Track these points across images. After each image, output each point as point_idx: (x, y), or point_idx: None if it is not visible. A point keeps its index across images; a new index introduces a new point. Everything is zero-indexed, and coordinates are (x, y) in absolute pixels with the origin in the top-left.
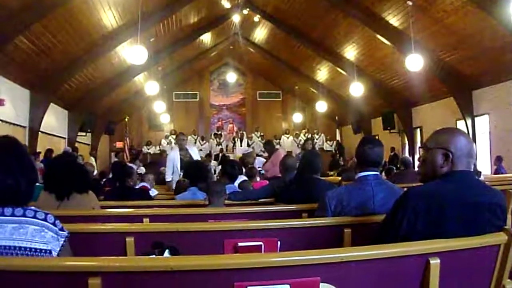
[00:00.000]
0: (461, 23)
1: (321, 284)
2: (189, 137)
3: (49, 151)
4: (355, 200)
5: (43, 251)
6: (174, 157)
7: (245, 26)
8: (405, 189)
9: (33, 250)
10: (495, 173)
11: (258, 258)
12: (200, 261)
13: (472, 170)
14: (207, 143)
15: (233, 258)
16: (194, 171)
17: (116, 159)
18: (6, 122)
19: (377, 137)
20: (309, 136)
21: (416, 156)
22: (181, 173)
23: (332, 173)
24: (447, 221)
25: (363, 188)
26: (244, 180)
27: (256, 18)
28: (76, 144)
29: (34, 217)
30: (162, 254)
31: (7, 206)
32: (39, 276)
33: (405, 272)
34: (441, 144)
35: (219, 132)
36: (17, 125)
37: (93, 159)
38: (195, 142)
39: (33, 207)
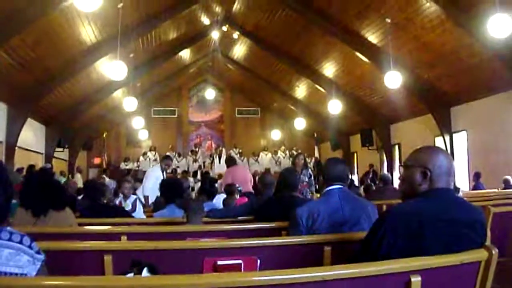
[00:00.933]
0: (439, 41)
1: None
2: (167, 153)
3: (31, 167)
4: (325, 211)
5: (18, 275)
6: (157, 174)
7: (224, 43)
8: (374, 202)
9: (8, 274)
10: (473, 189)
11: (238, 277)
12: (178, 280)
13: (451, 187)
14: (184, 159)
15: (213, 277)
16: (170, 188)
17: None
18: None
19: (355, 154)
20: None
21: (395, 173)
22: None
23: None
24: (427, 239)
25: (330, 200)
26: (226, 198)
27: (235, 35)
28: (54, 160)
29: (10, 239)
30: (140, 272)
31: None
32: None
33: None
34: (420, 163)
35: (196, 149)
36: None
37: (79, 175)
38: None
39: (9, 228)
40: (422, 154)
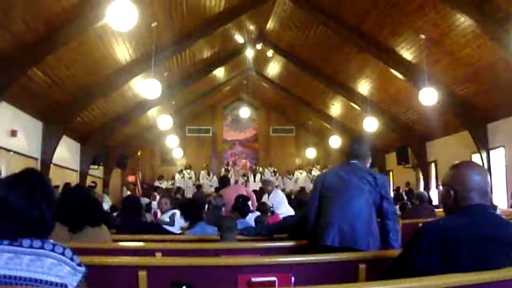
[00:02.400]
0: (474, 56)
1: None
2: (202, 171)
3: (67, 184)
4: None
5: (59, 285)
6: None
7: (258, 61)
8: (410, 221)
9: (48, 283)
10: (511, 207)
11: None
12: None
13: (487, 203)
14: (215, 178)
15: None
16: (194, 207)
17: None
18: (19, 153)
19: (391, 172)
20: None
21: (431, 191)
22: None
23: None
24: (461, 256)
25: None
26: (259, 215)
27: (269, 53)
28: (88, 177)
29: (52, 250)
30: None
31: (26, 237)
32: None
33: None
34: (446, 181)
35: (229, 167)
36: (30, 156)
37: (106, 196)
38: (208, 176)
39: (51, 241)
40: (448, 172)
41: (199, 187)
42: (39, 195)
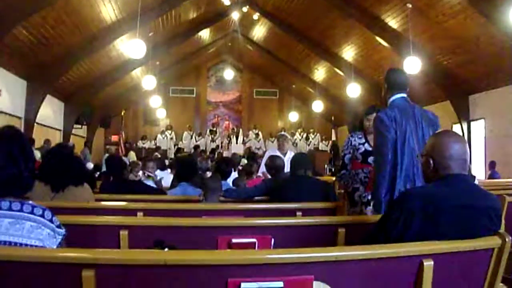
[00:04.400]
0: (460, 27)
1: (315, 282)
2: (185, 132)
3: (47, 142)
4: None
5: (39, 248)
6: None
7: (244, 24)
8: None
9: (28, 246)
10: (489, 178)
11: (252, 255)
12: (194, 256)
13: (466, 173)
14: (202, 139)
15: (227, 254)
16: (184, 167)
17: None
18: (2, 112)
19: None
20: (304, 135)
21: None
22: None
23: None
24: (441, 224)
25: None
26: (237, 178)
27: (256, 16)
28: (71, 137)
29: (31, 212)
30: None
31: (5, 199)
32: (33, 266)
33: (399, 272)
34: (426, 151)
35: (214, 129)
36: (13, 115)
37: (87, 150)
38: (191, 138)
39: (31, 202)
40: (429, 141)
41: (196, 147)
42: (17, 152)
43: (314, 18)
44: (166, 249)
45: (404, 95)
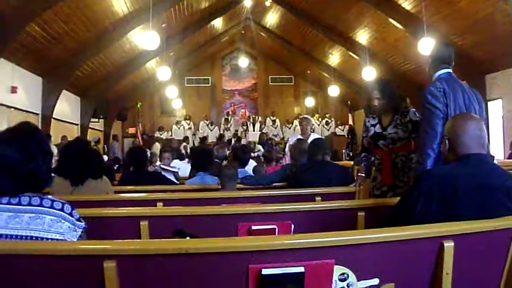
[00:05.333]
0: (473, 7)
1: (335, 267)
2: (201, 122)
3: (64, 138)
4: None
5: (60, 241)
6: None
7: (257, 11)
8: None
9: (49, 240)
10: (508, 158)
11: (272, 241)
12: (214, 243)
13: (485, 151)
14: (216, 128)
15: (248, 240)
16: (200, 157)
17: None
18: (19, 109)
19: None
20: (323, 120)
21: None
22: None
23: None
24: (460, 203)
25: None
26: (256, 165)
27: (267, 2)
28: (89, 130)
29: (51, 207)
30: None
31: (24, 194)
32: (55, 260)
33: (419, 254)
34: (443, 134)
35: (229, 117)
36: (30, 112)
37: (116, 143)
38: (208, 127)
39: (50, 196)
40: (446, 124)
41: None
42: (34, 148)
43: (326, 2)
44: (187, 238)
45: (450, 70)
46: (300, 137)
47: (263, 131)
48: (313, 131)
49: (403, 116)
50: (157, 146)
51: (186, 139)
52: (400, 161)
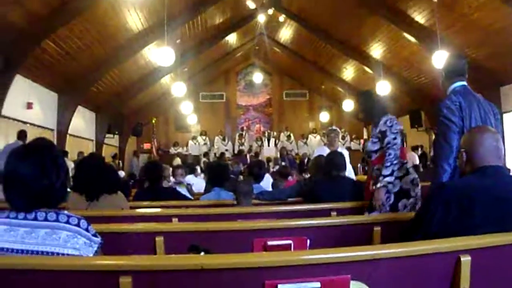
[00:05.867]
0: (487, 19)
1: (352, 282)
2: (216, 137)
3: (80, 154)
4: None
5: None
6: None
7: (270, 26)
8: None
9: (65, 255)
10: None
11: (288, 256)
12: (230, 259)
13: (502, 163)
14: (230, 143)
15: (263, 256)
16: (216, 172)
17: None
18: (35, 125)
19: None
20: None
21: None
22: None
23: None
24: (477, 216)
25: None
26: (275, 180)
27: (281, 18)
28: (104, 146)
29: (67, 222)
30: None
31: (40, 210)
32: (71, 275)
33: (436, 269)
34: (460, 145)
35: (243, 133)
36: (46, 128)
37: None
38: (223, 142)
39: (66, 212)
40: (463, 136)
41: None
42: (48, 164)
43: (339, 17)
44: (202, 253)
45: (465, 83)
46: (323, 151)
47: (279, 146)
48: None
49: (376, 128)
50: (177, 161)
51: (206, 154)
52: (375, 175)
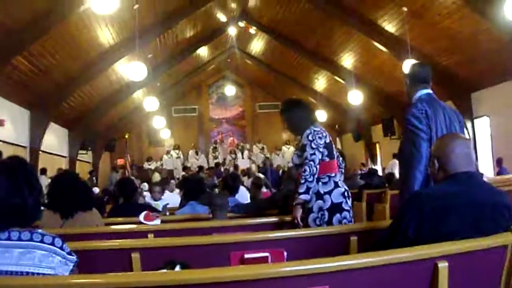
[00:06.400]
0: (456, 27)
1: None
2: (190, 151)
3: (59, 170)
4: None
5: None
6: None
7: (242, 39)
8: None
9: (40, 275)
10: (497, 175)
11: (266, 269)
12: (207, 274)
13: (474, 169)
14: (203, 156)
15: (240, 270)
16: (192, 186)
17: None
18: (7, 142)
19: (377, 144)
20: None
21: None
22: None
23: None
24: (452, 222)
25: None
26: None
27: (252, 30)
28: (77, 163)
29: (42, 241)
30: (173, 269)
31: (13, 229)
32: None
33: (414, 276)
34: (431, 154)
35: (216, 146)
36: (18, 145)
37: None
38: (196, 156)
39: (40, 230)
40: (433, 145)
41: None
42: (21, 181)
43: (310, 28)
44: (177, 267)
45: (429, 90)
46: None
47: (252, 158)
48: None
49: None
50: (156, 176)
51: (186, 168)
52: None
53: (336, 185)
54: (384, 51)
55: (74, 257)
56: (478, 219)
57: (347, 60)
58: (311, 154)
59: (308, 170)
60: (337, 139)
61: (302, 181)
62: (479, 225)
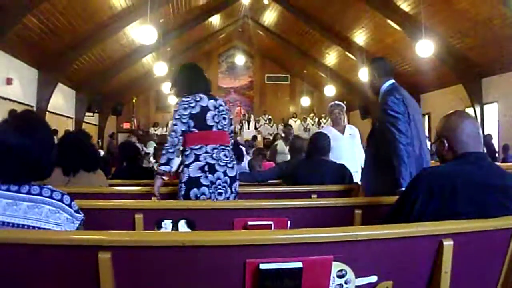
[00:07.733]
0: (472, 10)
1: (334, 263)
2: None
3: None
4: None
5: None
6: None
7: (255, 9)
8: None
9: (46, 230)
10: (502, 162)
11: (270, 235)
12: (212, 236)
13: (481, 150)
14: None
15: (245, 234)
16: None
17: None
18: (14, 101)
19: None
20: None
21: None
22: None
23: None
24: (459, 202)
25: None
26: (251, 159)
27: (266, 0)
28: (84, 125)
29: (50, 197)
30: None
31: (23, 184)
32: (49, 249)
33: (418, 252)
34: (439, 132)
35: None
36: (25, 104)
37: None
38: None
39: (49, 186)
40: (440, 122)
41: None
42: (40, 137)
43: (324, 1)
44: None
45: (394, 82)
46: (329, 131)
47: (259, 129)
48: (309, 131)
49: None
50: (151, 144)
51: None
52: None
53: (197, 158)
54: (397, 29)
55: (81, 215)
56: (485, 200)
57: (360, 36)
58: (173, 125)
59: (169, 140)
60: (345, 115)
61: (163, 151)
62: (487, 207)
